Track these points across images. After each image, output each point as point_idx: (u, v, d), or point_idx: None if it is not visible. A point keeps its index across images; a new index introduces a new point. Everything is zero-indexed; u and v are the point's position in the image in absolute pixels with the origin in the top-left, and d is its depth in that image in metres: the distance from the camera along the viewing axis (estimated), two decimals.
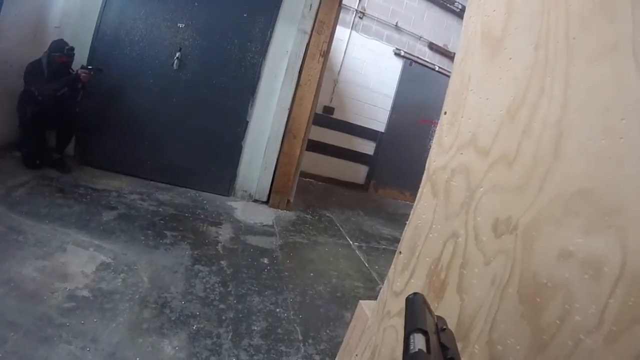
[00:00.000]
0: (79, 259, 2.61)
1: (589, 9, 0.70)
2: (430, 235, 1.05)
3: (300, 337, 2.55)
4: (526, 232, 0.71)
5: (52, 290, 2.24)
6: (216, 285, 2.82)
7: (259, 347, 2.30)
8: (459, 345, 0.68)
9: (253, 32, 4.64)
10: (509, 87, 0.85)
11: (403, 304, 0.90)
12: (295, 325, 2.66)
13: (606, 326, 0.54)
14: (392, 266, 1.29)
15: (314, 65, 4.76)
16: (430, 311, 0.57)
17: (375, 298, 3.20)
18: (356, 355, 1.40)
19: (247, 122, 4.87)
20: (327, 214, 5.62)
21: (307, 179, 7.40)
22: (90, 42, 4.20)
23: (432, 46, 8.39)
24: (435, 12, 8.34)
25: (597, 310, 0.56)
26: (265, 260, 3.46)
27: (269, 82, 4.78)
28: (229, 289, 2.81)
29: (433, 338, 0.51)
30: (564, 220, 0.65)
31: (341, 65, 7.56)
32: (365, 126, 8.20)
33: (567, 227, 0.64)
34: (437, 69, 8.48)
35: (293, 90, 4.82)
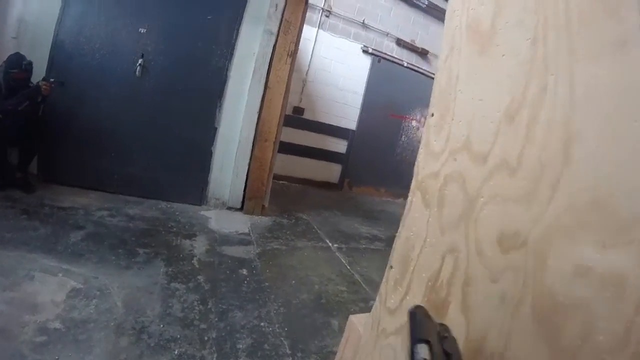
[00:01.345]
0: (47, 287, 2.43)
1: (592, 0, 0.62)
2: (426, 249, 0.97)
3: (289, 351, 2.44)
4: (537, 247, 0.65)
5: (22, 324, 2.07)
6: (195, 303, 2.68)
7: None
8: None
9: (218, 34, 4.49)
10: (504, 86, 0.78)
11: (399, 322, 0.93)
12: (282, 338, 2.55)
13: (632, 346, 0.49)
14: (384, 280, 1.18)
15: (281, 66, 4.65)
16: (432, 321, 0.58)
17: (360, 302, 3.21)
18: None
19: (215, 128, 4.72)
20: (304, 217, 5.52)
21: (280, 182, 7.30)
22: (49, 52, 3.97)
23: (399, 42, 8.42)
24: (402, 9, 8.37)
25: (622, 329, 0.51)
26: (244, 272, 3.34)
27: (237, 86, 4.64)
28: (208, 307, 2.67)
29: (437, 347, 0.53)
30: (579, 233, 0.58)
31: (309, 65, 7.48)
32: (337, 125, 8.16)
33: (583, 241, 0.58)
34: (405, 64, 8.52)
35: (262, 92, 4.70)
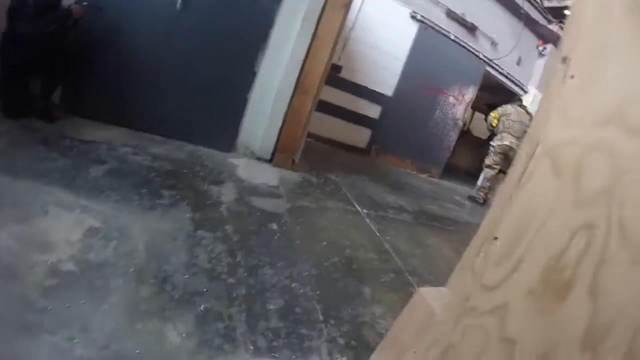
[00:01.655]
0: (63, 224, 2.20)
1: None
2: (550, 223, 0.88)
3: (321, 318, 2.24)
4: None
5: (31, 264, 1.84)
6: (223, 255, 2.47)
7: (277, 331, 1.99)
8: (586, 356, 0.68)
9: None
10: None
11: (497, 301, 0.92)
12: (314, 302, 2.35)
13: None
14: (480, 253, 1.08)
15: (334, 16, 4.31)
16: None
17: (391, 272, 3.05)
18: (415, 352, 1.22)
19: (255, 73, 4.43)
20: (332, 177, 5.32)
21: (308, 139, 7.03)
22: None
23: (449, 13, 8.04)
24: None
25: None
26: (274, 226, 3.13)
27: (283, 31, 4.31)
28: (237, 260, 2.47)
29: None
30: None
31: (354, 22, 7.10)
32: (373, 88, 7.86)
33: None
34: (452, 37, 8.16)
35: (309, 41, 4.37)
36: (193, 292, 2.05)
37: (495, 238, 1.02)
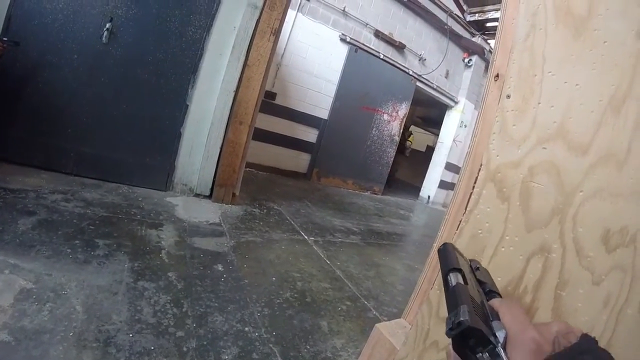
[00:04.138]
0: None
1: None
2: (502, 249, 0.87)
3: None
4: None
5: None
6: (168, 305, 2.29)
7: None
8: None
9: (197, 3, 4.03)
10: (607, 74, 0.73)
11: None
12: (271, 345, 2.21)
13: None
14: (434, 285, 1.07)
15: (264, 44, 4.26)
16: (462, 256, 0.60)
17: (346, 300, 2.98)
18: None
19: (187, 106, 4.27)
20: (275, 207, 5.22)
21: (247, 169, 6.93)
22: (6, 9, 3.37)
23: (378, 34, 8.29)
24: (383, 0, 8.20)
25: None
26: (220, 267, 2.97)
27: (213, 61, 4.21)
28: (184, 310, 2.29)
29: (470, 276, 0.56)
30: None
31: (285, 49, 7.14)
32: (309, 113, 7.91)
33: None
34: (382, 57, 8.40)
35: (240, 70, 4.29)
36: (140, 352, 1.86)
37: None
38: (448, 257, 0.58)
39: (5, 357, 1.59)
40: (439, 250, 0.61)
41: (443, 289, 0.54)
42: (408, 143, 12.03)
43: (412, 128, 16.43)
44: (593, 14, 0.77)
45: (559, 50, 0.83)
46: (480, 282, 0.59)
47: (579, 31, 0.80)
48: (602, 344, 0.64)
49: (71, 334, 1.83)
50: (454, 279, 0.52)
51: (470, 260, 0.63)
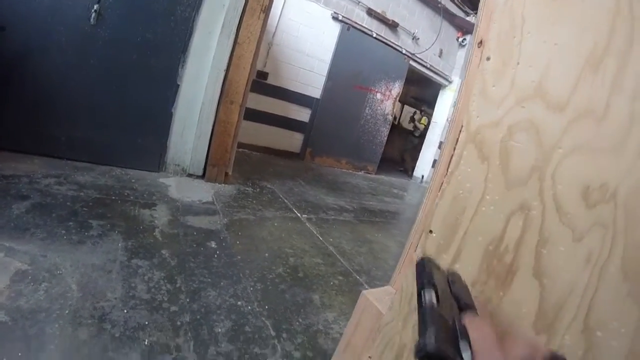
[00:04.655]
0: None
1: None
2: (483, 209, 0.87)
3: (273, 333, 2.16)
4: (629, 199, 0.63)
5: None
6: (162, 282, 2.32)
7: (229, 354, 1.88)
8: (543, 338, 0.69)
9: None
10: (586, 31, 0.73)
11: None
12: (263, 318, 2.26)
13: None
14: (417, 248, 1.07)
15: (254, 21, 4.23)
16: (440, 269, 0.62)
17: (338, 274, 3.03)
18: (369, 357, 1.18)
19: (177, 86, 4.24)
20: (268, 186, 5.25)
21: (240, 149, 6.94)
22: None
23: (370, 12, 8.20)
24: None
25: None
26: (213, 244, 3.01)
27: (203, 39, 4.17)
28: (177, 285, 2.33)
29: (445, 291, 0.57)
30: None
31: (276, 27, 7.08)
32: (301, 92, 7.87)
33: None
34: (374, 35, 8.33)
35: (230, 49, 4.27)
36: (135, 327, 1.90)
37: (431, 231, 1.01)
38: (424, 272, 0.60)
39: (3, 336, 1.62)
40: (417, 264, 0.62)
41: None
42: (421, 125, 11.93)
43: (406, 108, 16.40)
44: None
45: (538, 9, 0.83)
46: (455, 297, 0.59)
47: None
48: (582, 302, 0.67)
49: (67, 312, 1.86)
50: (427, 296, 0.54)
51: (449, 274, 0.64)
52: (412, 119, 12.32)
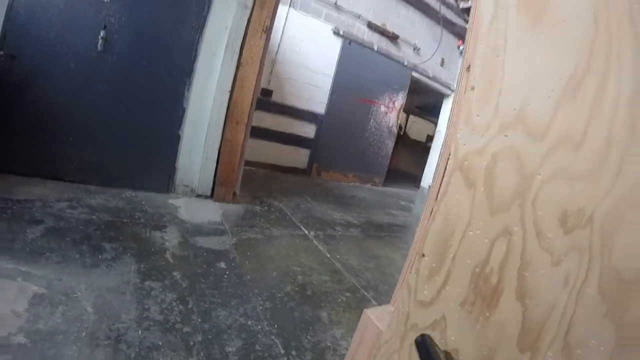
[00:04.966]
0: (6, 294, 2.07)
1: None
2: (470, 233, 0.90)
3: (282, 351, 2.22)
4: (604, 224, 0.64)
5: None
6: (174, 303, 2.40)
7: None
8: (527, 356, 0.71)
9: (188, 5, 4.10)
10: (564, 57, 0.74)
11: (435, 316, 0.94)
12: (273, 337, 2.32)
13: None
14: (413, 271, 1.10)
15: (256, 42, 4.34)
16: (439, 348, 0.63)
17: (346, 291, 3.07)
18: None
19: (184, 108, 4.35)
20: (276, 203, 5.31)
21: (247, 167, 6.99)
22: (1, 24, 3.42)
23: (371, 25, 8.30)
24: None
25: None
26: (223, 265, 3.08)
27: (208, 62, 4.29)
28: (189, 306, 2.40)
29: None
30: None
31: (279, 45, 7.18)
32: (306, 108, 7.96)
33: None
34: (376, 48, 8.42)
35: (234, 70, 4.37)
36: (149, 347, 1.97)
37: (423, 255, 1.05)
38: (429, 355, 0.62)
39: (23, 358, 1.69)
40: (417, 343, 0.65)
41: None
42: None
43: (411, 118, 16.45)
44: None
45: (519, 35, 0.85)
46: None
47: (538, 14, 0.81)
48: (562, 321, 0.69)
49: (83, 333, 1.94)
50: None
51: (446, 353, 0.66)
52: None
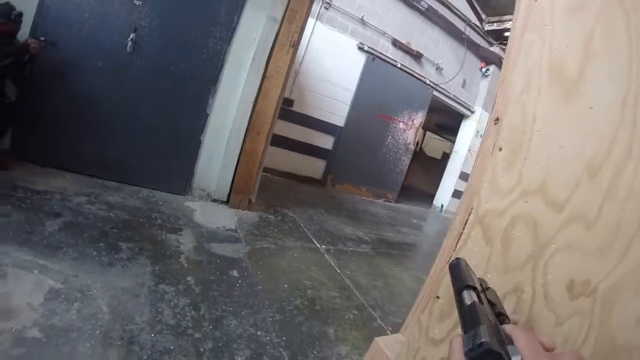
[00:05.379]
0: (23, 286, 2.13)
1: None
2: None
3: None
4: (606, 296, 0.70)
5: None
6: (186, 308, 2.45)
7: None
8: None
9: (218, 15, 4.21)
10: (588, 139, 0.79)
11: (444, 353, 1.00)
12: (281, 349, 2.36)
13: None
14: (426, 312, 1.15)
15: (282, 56, 4.43)
16: (474, 273, 0.61)
17: (354, 309, 3.11)
18: None
19: (207, 115, 4.45)
20: (290, 214, 5.36)
21: (263, 174, 7.07)
22: (32, 18, 3.57)
23: (395, 43, 8.37)
24: (401, 9, 8.36)
25: None
26: (235, 273, 3.13)
27: (233, 72, 4.39)
28: (201, 313, 2.46)
29: (482, 295, 0.56)
30: None
31: (303, 57, 7.29)
32: (325, 120, 8.04)
33: None
34: (399, 65, 8.48)
35: (259, 82, 4.46)
36: (161, 351, 2.02)
37: (437, 297, 1.10)
38: (462, 273, 0.59)
39: (37, 352, 1.75)
40: (451, 265, 0.63)
41: (456, 303, 0.56)
42: None
43: (428, 134, 16.42)
44: (583, 78, 0.82)
45: (549, 110, 0.89)
46: (490, 303, 0.59)
47: (569, 94, 0.85)
48: None
49: (97, 332, 2.00)
50: (470, 296, 0.53)
51: (480, 279, 0.63)
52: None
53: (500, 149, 1.00)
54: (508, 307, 0.83)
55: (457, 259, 0.64)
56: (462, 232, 1.08)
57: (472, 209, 1.06)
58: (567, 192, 0.80)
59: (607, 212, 0.72)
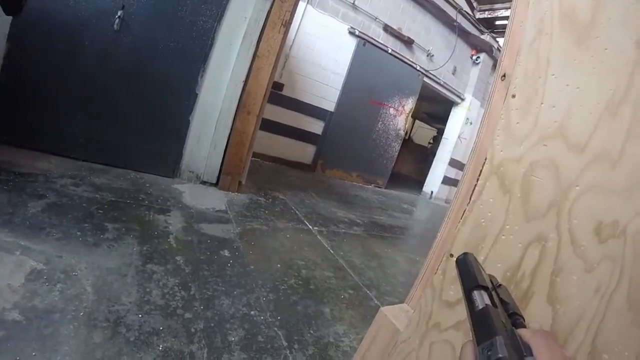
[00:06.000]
0: (3, 268, 2.01)
1: None
2: (503, 237, 0.93)
3: (285, 343, 2.18)
4: (637, 236, 0.67)
5: None
6: (176, 288, 2.35)
7: None
8: None
9: None
10: (606, 79, 0.78)
11: (459, 316, 0.97)
12: (276, 329, 2.28)
13: None
14: (437, 271, 1.12)
15: (274, 35, 4.30)
16: (483, 269, 0.56)
17: (349, 288, 3.04)
18: None
19: (196, 95, 4.31)
20: (280, 196, 5.29)
21: (253, 158, 6.97)
22: None
23: (387, 28, 8.30)
24: None
25: None
26: (226, 253, 3.04)
27: (223, 51, 4.25)
28: (191, 293, 2.36)
29: (493, 295, 0.52)
30: None
31: (293, 40, 7.17)
32: (315, 105, 7.95)
33: None
34: (390, 51, 8.41)
35: (249, 61, 4.33)
36: (149, 332, 1.92)
37: (451, 255, 1.05)
38: (471, 270, 0.54)
39: (17, 335, 1.63)
40: (458, 261, 0.58)
41: (465, 306, 0.51)
42: None
43: (417, 123, 16.42)
44: (596, 23, 0.81)
45: (563, 55, 0.87)
46: (503, 302, 0.54)
47: (582, 38, 0.83)
48: (591, 327, 0.70)
49: (82, 313, 1.89)
50: (481, 298, 0.48)
51: (490, 275, 0.58)
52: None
53: (514, 96, 0.98)
54: (532, 258, 0.84)
55: (464, 253, 0.59)
56: (475, 185, 1.03)
57: (485, 159, 1.02)
58: (587, 132, 0.79)
59: (630, 149, 0.71)
